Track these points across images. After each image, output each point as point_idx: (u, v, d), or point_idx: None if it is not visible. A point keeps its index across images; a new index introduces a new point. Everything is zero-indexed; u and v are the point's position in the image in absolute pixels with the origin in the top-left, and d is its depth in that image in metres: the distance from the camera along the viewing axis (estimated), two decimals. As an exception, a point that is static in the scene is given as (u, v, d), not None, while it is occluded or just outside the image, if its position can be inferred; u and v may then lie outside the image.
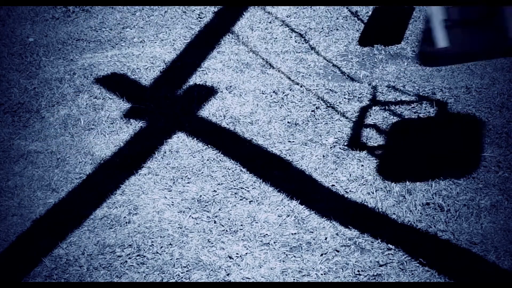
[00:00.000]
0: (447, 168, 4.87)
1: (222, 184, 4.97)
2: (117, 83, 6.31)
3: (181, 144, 5.43)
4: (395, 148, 5.21)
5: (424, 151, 5.08)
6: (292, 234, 4.49)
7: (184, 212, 4.73)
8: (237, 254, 4.35)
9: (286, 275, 4.18)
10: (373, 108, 5.73)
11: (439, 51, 3.75)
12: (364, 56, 6.58)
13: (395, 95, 5.88)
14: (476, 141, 5.10)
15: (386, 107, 5.71)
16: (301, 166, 5.11)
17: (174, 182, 5.02)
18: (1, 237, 4.58)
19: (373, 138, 5.34)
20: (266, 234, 4.50)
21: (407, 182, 4.82)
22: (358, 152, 5.21)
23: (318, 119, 5.64)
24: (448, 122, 5.47)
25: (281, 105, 5.85)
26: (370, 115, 5.64)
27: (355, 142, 5.25)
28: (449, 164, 4.91)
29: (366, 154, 5.19)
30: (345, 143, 5.32)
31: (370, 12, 7.28)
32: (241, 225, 4.58)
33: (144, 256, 4.37)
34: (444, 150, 5.06)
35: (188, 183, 5.01)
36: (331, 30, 7.05)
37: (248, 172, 5.06)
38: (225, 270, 4.24)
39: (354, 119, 5.60)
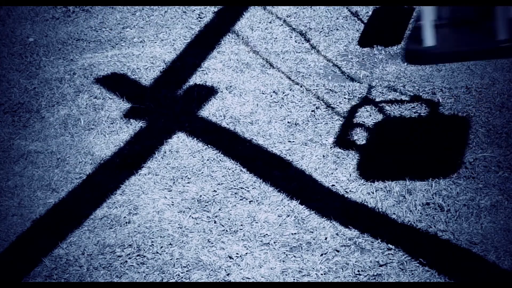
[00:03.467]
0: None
1: (222, 184, 4.97)
2: (117, 83, 6.31)
3: (181, 144, 5.43)
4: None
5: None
6: (292, 234, 4.49)
7: (184, 212, 4.74)
8: (237, 254, 4.35)
9: (286, 275, 4.19)
10: (371, 107, 5.72)
11: (425, 50, 3.76)
12: (364, 56, 6.58)
13: (395, 95, 5.88)
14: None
15: (384, 107, 5.71)
16: (301, 166, 5.11)
17: (174, 182, 5.02)
18: (1, 237, 4.58)
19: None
20: (266, 234, 4.50)
21: (408, 181, 4.82)
22: (352, 151, 5.21)
23: (318, 119, 5.64)
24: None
25: (281, 105, 5.85)
26: (365, 115, 5.64)
27: (349, 142, 5.25)
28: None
29: (366, 154, 5.19)
30: (339, 143, 5.32)
31: (370, 12, 7.28)
32: (241, 225, 4.59)
33: (144, 256, 4.37)
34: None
35: (188, 183, 5.01)
36: (331, 30, 7.05)
37: (248, 172, 5.06)
38: (225, 270, 4.24)
39: (357, 118, 5.60)
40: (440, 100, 5.74)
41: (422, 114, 5.58)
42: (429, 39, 3.73)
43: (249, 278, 4.18)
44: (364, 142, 5.28)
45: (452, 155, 5.01)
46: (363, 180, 4.91)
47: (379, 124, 5.49)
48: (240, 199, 4.81)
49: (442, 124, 5.45)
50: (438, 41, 3.75)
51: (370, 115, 5.63)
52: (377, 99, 5.82)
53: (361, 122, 5.51)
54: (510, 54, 3.86)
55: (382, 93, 5.93)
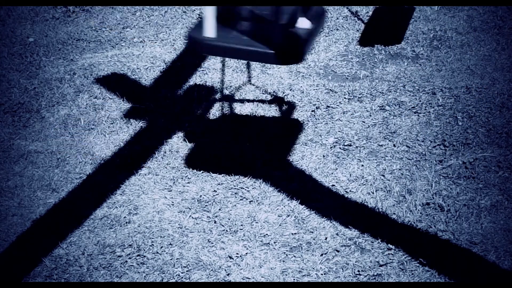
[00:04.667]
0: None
1: (222, 184, 4.97)
2: (117, 83, 6.31)
3: (181, 144, 5.43)
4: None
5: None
6: (292, 234, 4.49)
7: (184, 212, 4.74)
8: (237, 254, 4.35)
9: (286, 275, 4.19)
10: (373, 108, 5.73)
11: (203, 39, 3.90)
12: (364, 56, 6.58)
13: (395, 95, 5.88)
14: None
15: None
16: (301, 166, 5.11)
17: (174, 182, 5.02)
18: (1, 237, 4.58)
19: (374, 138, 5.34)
20: (266, 234, 4.50)
21: (408, 181, 4.83)
22: (359, 151, 5.21)
23: (318, 119, 5.64)
24: None
25: (281, 105, 5.85)
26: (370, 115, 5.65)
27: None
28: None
29: (366, 154, 5.19)
30: (347, 142, 5.32)
31: (370, 12, 7.28)
32: (241, 225, 4.59)
33: (144, 256, 4.37)
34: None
35: (188, 183, 5.01)
36: (331, 30, 7.05)
37: (248, 172, 5.06)
38: (225, 270, 4.24)
39: (357, 118, 5.60)
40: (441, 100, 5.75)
41: (422, 114, 5.58)
42: (209, 30, 3.82)
43: (249, 278, 4.18)
44: None
45: None
46: (363, 179, 4.91)
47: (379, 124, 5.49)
48: (240, 199, 4.81)
49: None
50: (219, 34, 3.85)
51: (371, 115, 5.64)
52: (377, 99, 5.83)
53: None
54: (280, 60, 3.95)
55: (382, 93, 5.93)
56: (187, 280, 4.18)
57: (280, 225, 4.57)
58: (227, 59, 6.61)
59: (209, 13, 3.87)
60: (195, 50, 4.17)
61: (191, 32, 4.09)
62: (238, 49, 3.92)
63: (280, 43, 3.91)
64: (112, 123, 5.73)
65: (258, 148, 5.33)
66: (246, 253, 4.35)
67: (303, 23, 4.16)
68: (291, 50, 3.95)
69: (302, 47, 4.04)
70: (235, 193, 4.87)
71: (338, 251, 4.33)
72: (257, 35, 4.02)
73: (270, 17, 4.04)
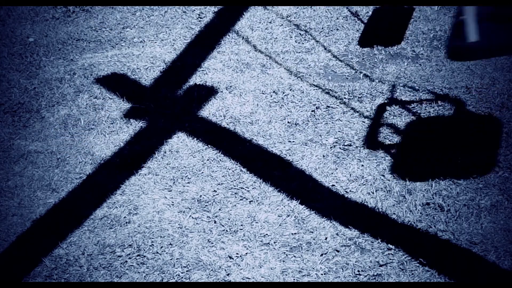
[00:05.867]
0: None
1: (222, 184, 4.97)
2: (117, 83, 6.31)
3: (181, 144, 5.43)
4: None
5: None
6: (292, 234, 4.49)
7: (184, 212, 4.74)
8: (237, 254, 4.35)
9: (286, 275, 4.19)
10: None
11: (469, 45, 3.76)
12: (364, 56, 6.58)
13: (395, 95, 5.88)
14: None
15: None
16: (301, 166, 5.11)
17: (174, 182, 5.02)
18: (1, 237, 4.58)
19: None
20: (266, 234, 4.50)
21: (409, 181, 4.82)
22: (359, 151, 5.21)
23: (318, 119, 5.64)
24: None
25: (281, 105, 5.86)
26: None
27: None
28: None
29: (366, 154, 5.19)
30: (347, 142, 5.31)
31: (370, 12, 7.28)
32: (241, 225, 4.59)
33: (144, 256, 4.37)
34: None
35: (188, 183, 5.01)
36: (331, 30, 7.05)
37: (248, 172, 5.06)
38: (225, 270, 4.24)
39: (356, 118, 5.60)
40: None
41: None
42: (472, 34, 3.73)
43: (249, 278, 4.18)
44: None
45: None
46: (363, 179, 4.91)
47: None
48: (240, 199, 4.81)
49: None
50: (481, 36, 3.76)
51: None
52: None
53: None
54: None
55: (382, 93, 5.93)
56: (187, 280, 4.18)
57: (280, 225, 4.57)
58: (226, 59, 6.61)
59: (470, 17, 3.78)
60: (463, 58, 4.05)
61: (451, 42, 3.97)
62: (507, 45, 3.84)
63: None
64: (112, 123, 5.73)
65: (258, 148, 5.33)
66: (246, 253, 4.35)
67: None
68: None
69: None
70: (235, 193, 4.87)
71: (338, 251, 4.33)
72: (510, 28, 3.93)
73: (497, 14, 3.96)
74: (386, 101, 5.69)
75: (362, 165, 5.07)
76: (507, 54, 4.34)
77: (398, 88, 5.99)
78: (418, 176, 4.85)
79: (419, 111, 5.60)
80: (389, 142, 5.26)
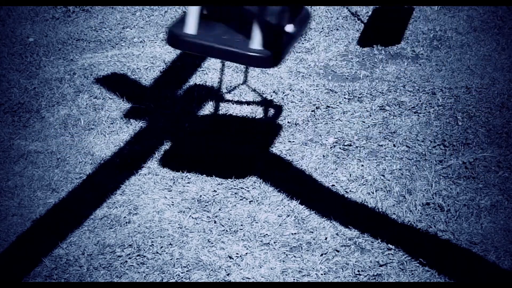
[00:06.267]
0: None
1: (222, 184, 4.97)
2: (117, 83, 6.31)
3: (181, 144, 5.43)
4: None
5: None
6: (292, 234, 4.49)
7: (184, 212, 4.74)
8: (237, 254, 4.35)
9: (286, 275, 4.19)
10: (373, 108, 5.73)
11: (185, 36, 3.87)
12: (364, 56, 6.58)
13: (395, 95, 5.88)
14: None
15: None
16: (301, 166, 5.11)
17: (174, 182, 5.02)
18: (1, 237, 4.58)
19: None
20: (266, 234, 4.50)
21: (408, 181, 4.82)
22: (359, 151, 5.21)
23: (318, 119, 5.64)
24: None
25: (281, 105, 5.86)
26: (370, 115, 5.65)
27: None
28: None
29: (366, 154, 5.19)
30: (347, 142, 5.32)
31: (370, 12, 7.28)
32: (241, 225, 4.59)
33: (144, 256, 4.37)
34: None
35: (188, 183, 5.01)
36: (331, 30, 7.05)
37: (248, 172, 5.06)
38: (225, 270, 4.24)
39: (356, 118, 5.60)
40: (440, 100, 5.75)
41: (422, 114, 5.58)
42: (191, 26, 3.83)
43: (249, 278, 4.18)
44: None
45: None
46: (363, 179, 4.91)
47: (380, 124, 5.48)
48: (240, 199, 4.81)
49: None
50: (200, 31, 3.83)
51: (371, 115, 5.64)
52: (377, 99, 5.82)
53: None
54: (258, 63, 3.91)
55: (382, 93, 5.93)
56: (187, 280, 4.18)
57: (280, 225, 4.57)
58: (227, 59, 6.60)
59: (193, 9, 3.86)
60: (174, 46, 4.12)
61: (172, 27, 4.05)
62: (215, 48, 3.88)
63: (262, 46, 3.85)
64: (112, 123, 5.73)
65: (258, 148, 5.33)
66: (246, 253, 4.35)
67: (288, 27, 4.09)
68: (271, 53, 3.89)
69: (282, 52, 3.98)
70: (235, 193, 4.87)
71: (338, 251, 4.33)
72: (240, 35, 3.97)
73: (256, 17, 3.98)
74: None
75: (362, 165, 5.07)
76: (216, 58, 4.38)
77: (398, 88, 5.99)
78: None
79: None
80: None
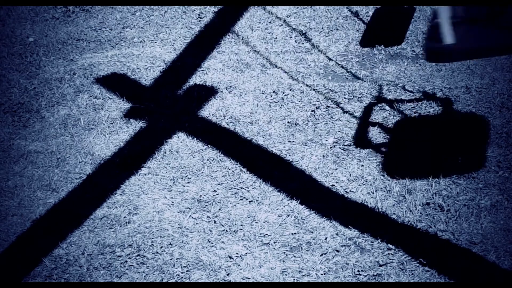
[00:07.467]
0: (450, 167, 4.87)
1: (222, 184, 4.97)
2: (117, 83, 6.31)
3: (181, 144, 5.43)
4: (399, 147, 5.21)
5: (428, 150, 5.09)
6: (292, 234, 4.49)
7: (184, 212, 4.74)
8: (237, 254, 4.35)
9: (286, 275, 4.19)
10: (375, 106, 5.73)
11: (445, 48, 3.77)
12: (364, 56, 6.58)
13: (395, 95, 5.88)
14: (481, 140, 5.11)
15: (388, 106, 5.71)
16: (301, 166, 5.11)
17: (174, 182, 5.02)
18: (1, 237, 4.58)
19: (377, 137, 5.34)
20: (266, 234, 4.50)
21: (408, 181, 4.82)
22: (359, 151, 5.21)
23: (318, 119, 5.64)
24: (452, 120, 5.47)
25: (281, 105, 5.86)
26: (372, 114, 5.64)
27: (359, 141, 5.25)
28: (452, 164, 4.91)
29: (366, 154, 5.19)
30: (347, 142, 5.31)
31: (370, 12, 7.28)
32: (241, 225, 4.59)
33: (144, 256, 4.37)
34: (448, 150, 5.06)
35: (188, 183, 5.01)
36: (331, 30, 7.05)
37: (248, 172, 5.06)
38: (225, 270, 4.24)
39: (356, 118, 5.60)
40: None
41: (422, 113, 5.58)
42: (448, 37, 3.74)
43: (249, 278, 4.18)
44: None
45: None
46: (363, 179, 4.91)
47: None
48: (240, 199, 4.81)
49: (446, 122, 5.44)
50: (457, 38, 3.77)
51: (372, 114, 5.63)
52: (381, 97, 5.82)
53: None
54: None
55: (382, 93, 5.93)
56: (187, 280, 4.18)
57: (280, 225, 4.57)
58: (226, 59, 6.61)
59: (445, 20, 3.79)
60: (440, 60, 4.05)
61: (428, 44, 3.98)
62: (485, 47, 3.85)
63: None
64: (112, 123, 5.73)
65: (258, 148, 5.33)
66: (246, 253, 4.35)
67: None
68: None
69: None
70: (235, 193, 4.87)
71: (338, 251, 4.33)
72: (486, 30, 3.94)
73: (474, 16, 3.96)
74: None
75: (362, 165, 5.07)
76: (481, 57, 4.34)
77: (398, 88, 5.98)
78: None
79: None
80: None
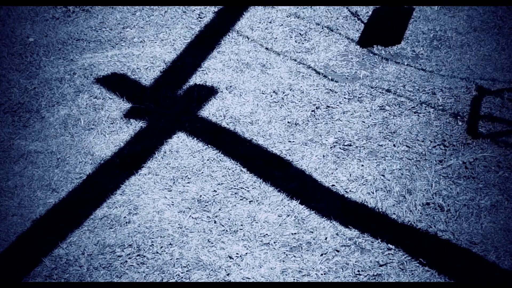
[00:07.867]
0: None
1: (222, 184, 4.97)
2: (117, 83, 6.31)
3: (181, 144, 5.43)
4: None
5: None
6: (292, 234, 4.49)
7: (184, 212, 4.74)
8: (237, 254, 4.35)
9: (286, 275, 4.19)
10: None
11: None
12: (364, 56, 6.58)
13: (395, 95, 5.88)
14: None
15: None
16: (301, 166, 5.11)
17: (174, 182, 5.02)
18: (1, 237, 4.58)
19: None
20: (266, 234, 4.50)
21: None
22: (359, 151, 5.21)
23: (318, 119, 5.64)
24: None
25: (281, 105, 5.86)
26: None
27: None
28: None
29: (366, 154, 5.19)
30: (347, 142, 5.32)
31: (370, 12, 7.28)
32: (241, 225, 4.59)
33: (144, 256, 4.37)
34: None
35: (188, 183, 5.01)
36: (331, 30, 7.05)
37: (248, 172, 5.06)
38: (225, 270, 4.24)
39: (356, 118, 5.60)
40: (440, 100, 5.75)
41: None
42: None
43: (249, 278, 4.18)
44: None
45: None
46: (363, 179, 4.91)
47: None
48: (240, 199, 4.81)
49: None
50: None
51: (371, 115, 5.63)
52: (377, 99, 5.83)
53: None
54: None
55: (382, 93, 5.93)
56: (187, 280, 4.18)
57: (280, 225, 4.57)
58: (226, 59, 6.61)
59: None
60: None
61: None
62: None
63: None
64: (112, 123, 5.73)
65: (258, 148, 5.33)
66: (246, 253, 4.35)
67: None
68: None
69: None
70: (235, 193, 4.87)
71: (338, 251, 4.33)
72: None
73: None
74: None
75: (362, 165, 5.07)
76: None
77: (398, 88, 5.99)
78: None
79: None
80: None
